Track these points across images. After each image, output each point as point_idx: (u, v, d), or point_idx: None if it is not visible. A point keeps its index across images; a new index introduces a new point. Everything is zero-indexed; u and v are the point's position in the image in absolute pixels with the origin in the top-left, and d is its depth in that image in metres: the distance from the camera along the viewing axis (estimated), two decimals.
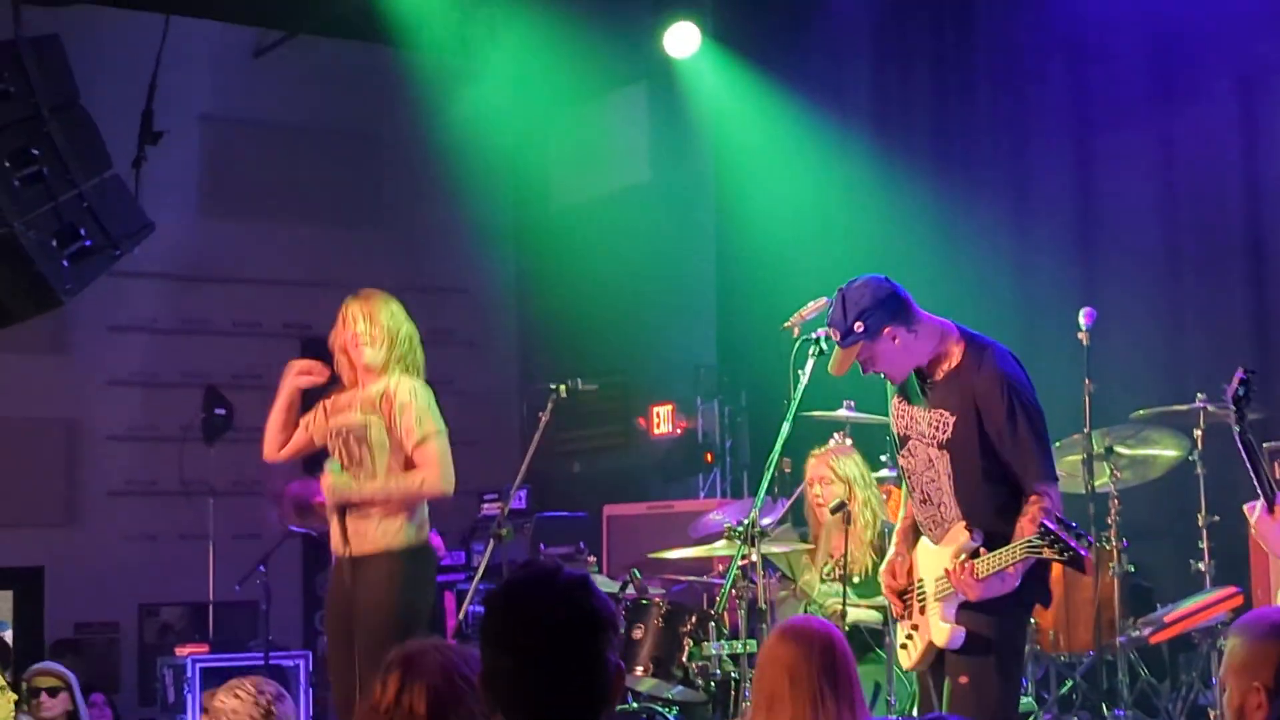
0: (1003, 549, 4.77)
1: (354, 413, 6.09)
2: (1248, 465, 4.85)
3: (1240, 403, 4.89)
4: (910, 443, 5.10)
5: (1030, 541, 4.66)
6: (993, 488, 4.91)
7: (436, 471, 5.98)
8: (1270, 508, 4.74)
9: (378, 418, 6.01)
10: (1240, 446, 4.86)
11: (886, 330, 4.97)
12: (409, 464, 6.02)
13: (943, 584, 4.91)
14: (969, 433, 4.91)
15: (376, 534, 5.97)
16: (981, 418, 4.90)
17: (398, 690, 3.48)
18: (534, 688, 2.68)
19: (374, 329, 6.10)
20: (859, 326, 4.95)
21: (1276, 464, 6.58)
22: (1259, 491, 4.83)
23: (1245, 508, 5.31)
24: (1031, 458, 4.87)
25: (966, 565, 4.79)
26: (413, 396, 6.03)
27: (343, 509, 6.05)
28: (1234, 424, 4.89)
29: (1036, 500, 4.80)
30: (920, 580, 5.06)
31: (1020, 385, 4.98)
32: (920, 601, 5.05)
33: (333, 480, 6.04)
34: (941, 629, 4.90)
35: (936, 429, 4.98)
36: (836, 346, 5.06)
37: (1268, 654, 3.27)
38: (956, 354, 5.02)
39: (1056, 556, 4.62)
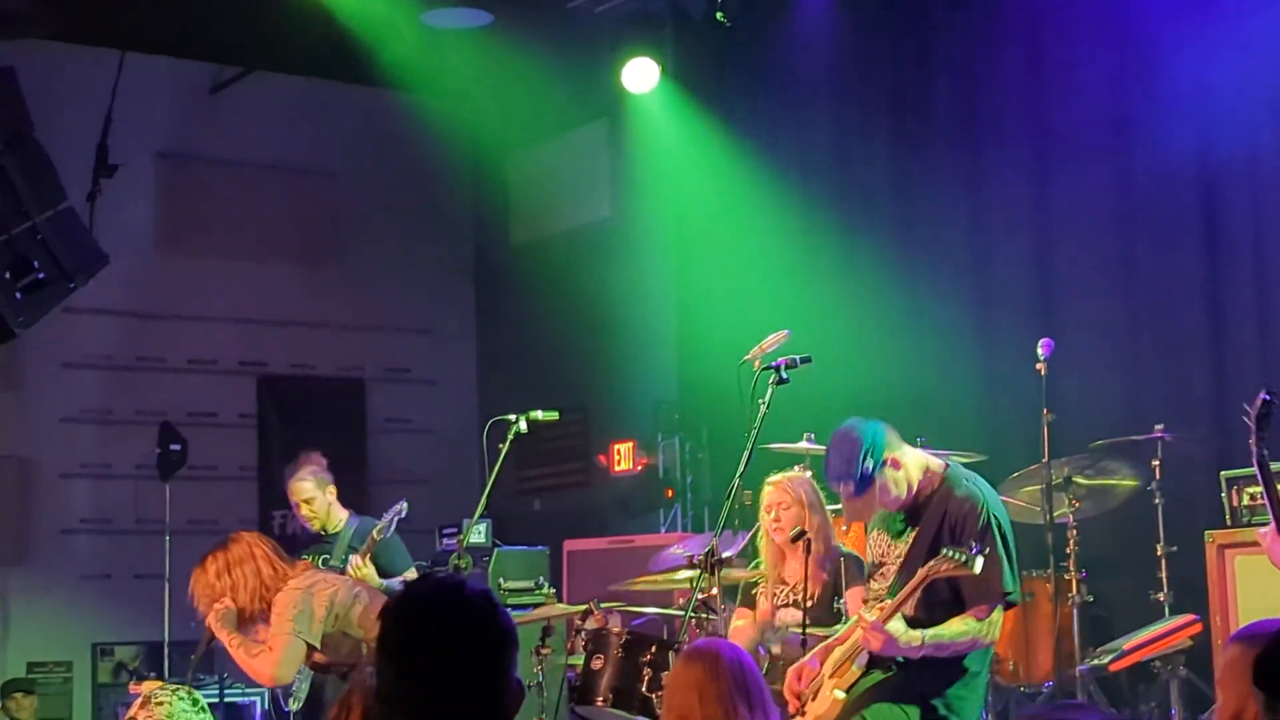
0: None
1: None
2: (1261, 484, 4.86)
3: (1262, 422, 4.89)
4: (884, 568, 5.40)
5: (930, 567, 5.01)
6: (945, 589, 5.20)
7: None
8: None
9: None
10: (1256, 466, 4.86)
11: (888, 461, 5.25)
12: None
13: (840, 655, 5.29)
14: (943, 541, 5.18)
15: None
16: (953, 535, 5.18)
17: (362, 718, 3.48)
18: (437, 707, 2.55)
19: None
20: (868, 466, 5.21)
21: (1234, 490, 6.59)
22: (1271, 512, 4.83)
23: (1258, 533, 5.36)
24: (985, 578, 5.11)
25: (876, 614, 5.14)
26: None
27: None
28: (1253, 444, 4.88)
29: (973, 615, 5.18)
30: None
31: (998, 509, 5.30)
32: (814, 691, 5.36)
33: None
34: (831, 682, 5.27)
35: (909, 547, 5.28)
36: (853, 504, 5.36)
37: None
38: (934, 482, 5.33)
39: (952, 568, 4.94)
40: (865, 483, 5.22)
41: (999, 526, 5.23)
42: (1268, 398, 4.89)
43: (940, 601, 5.23)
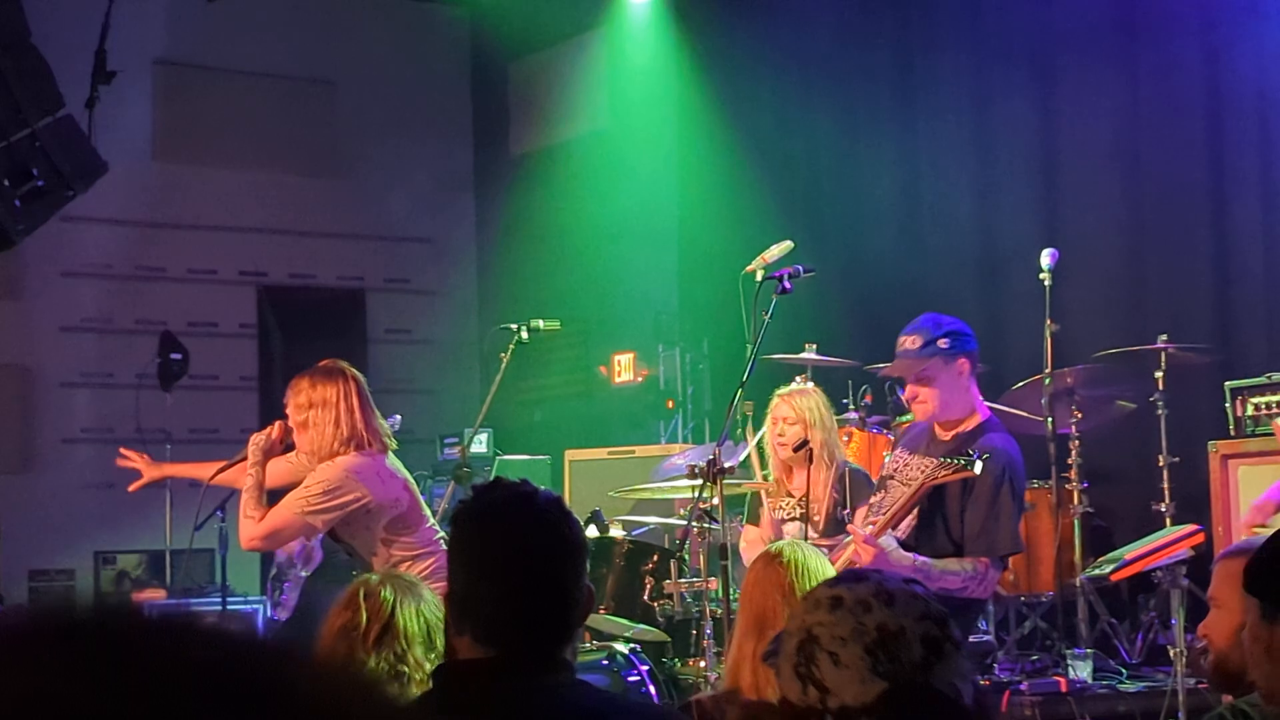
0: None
1: None
2: None
3: None
4: (890, 482, 5.45)
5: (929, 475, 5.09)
6: (945, 539, 5.28)
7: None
8: None
9: None
10: None
11: (961, 360, 5.29)
12: None
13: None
14: (953, 487, 5.21)
15: None
16: (970, 481, 5.19)
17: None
18: (511, 614, 2.58)
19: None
20: (944, 343, 5.28)
21: (1238, 400, 6.60)
22: None
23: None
24: (987, 531, 5.21)
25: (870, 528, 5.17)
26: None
27: None
28: None
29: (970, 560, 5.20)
30: None
31: (1018, 470, 5.34)
32: None
33: None
34: None
35: (923, 473, 5.25)
36: (904, 358, 5.39)
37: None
38: (973, 422, 5.39)
39: (951, 473, 5.00)
40: (930, 348, 5.29)
41: (1012, 484, 5.25)
42: None
43: (940, 554, 5.25)
